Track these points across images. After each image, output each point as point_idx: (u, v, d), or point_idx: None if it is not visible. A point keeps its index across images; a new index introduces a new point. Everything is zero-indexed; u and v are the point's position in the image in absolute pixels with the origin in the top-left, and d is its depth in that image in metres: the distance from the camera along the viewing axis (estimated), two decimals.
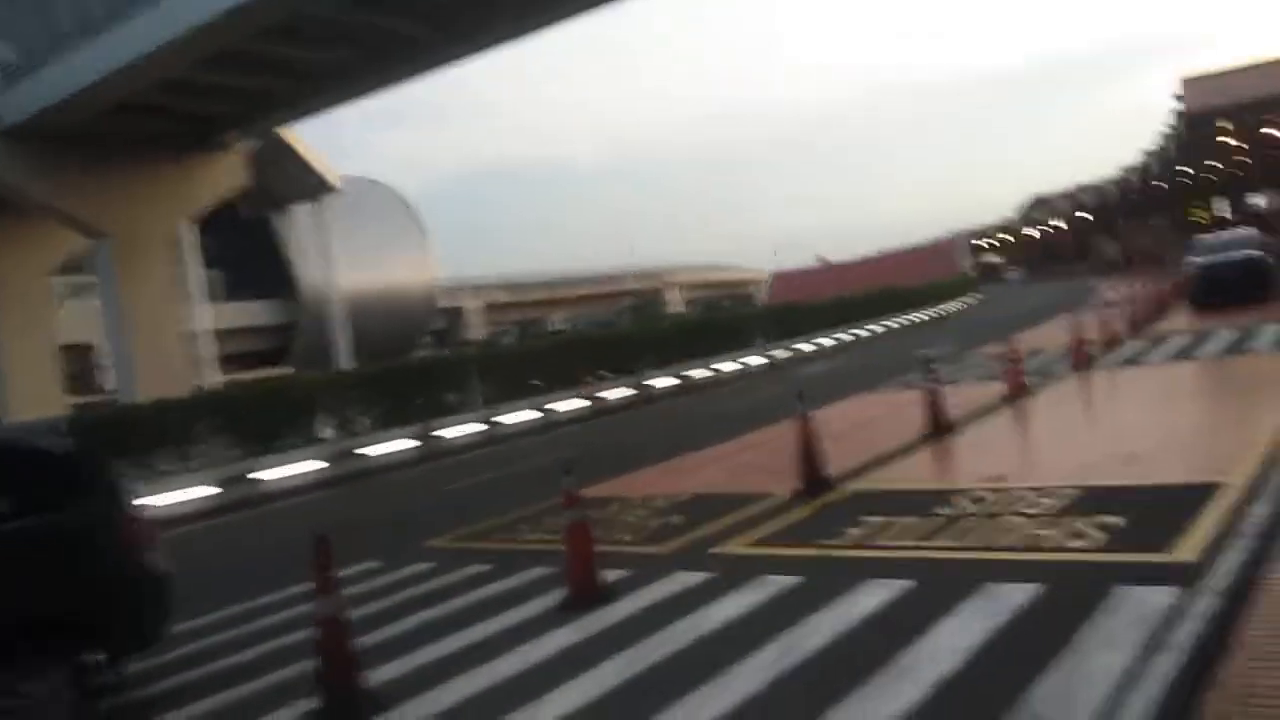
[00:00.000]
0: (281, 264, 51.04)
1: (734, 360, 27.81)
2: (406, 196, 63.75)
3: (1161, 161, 50.51)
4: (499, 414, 19.92)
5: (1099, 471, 7.89)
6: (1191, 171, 48.69)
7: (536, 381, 22.09)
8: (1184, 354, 15.28)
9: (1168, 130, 40.77)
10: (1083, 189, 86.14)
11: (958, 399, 13.82)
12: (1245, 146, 39.70)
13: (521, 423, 19.90)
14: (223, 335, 44.12)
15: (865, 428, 12.81)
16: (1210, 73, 35.26)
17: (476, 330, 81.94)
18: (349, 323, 44.43)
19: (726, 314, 35.84)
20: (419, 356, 45.08)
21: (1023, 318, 33.29)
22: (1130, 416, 10.59)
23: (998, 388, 13.59)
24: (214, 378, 34.90)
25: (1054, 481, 7.69)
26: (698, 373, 25.89)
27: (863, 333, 36.26)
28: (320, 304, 46.69)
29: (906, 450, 10.31)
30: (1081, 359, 15.71)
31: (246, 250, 50.34)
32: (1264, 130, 37.32)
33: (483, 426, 19.09)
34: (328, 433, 18.08)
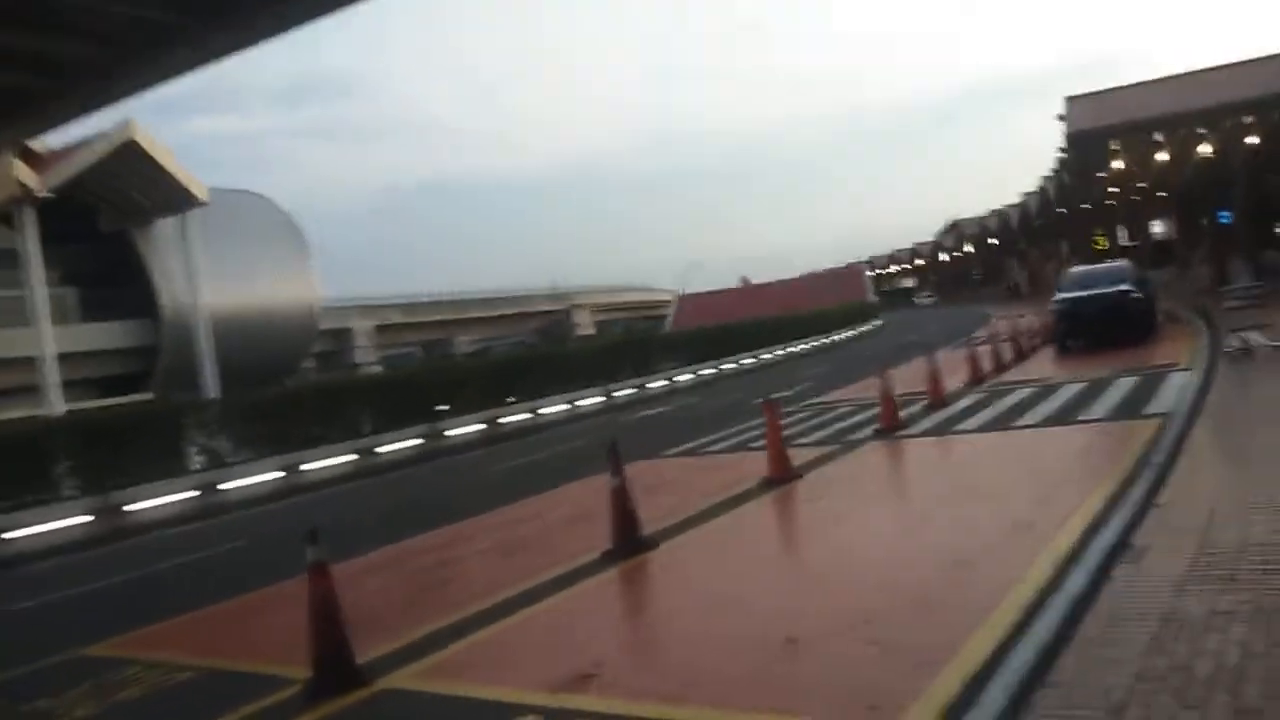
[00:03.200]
0: (143, 282, 46.77)
1: (567, 401, 24.69)
2: (288, 210, 59.47)
3: (1058, 186, 48.89)
4: (236, 474, 16.47)
5: (722, 674, 4.87)
6: (1088, 196, 47.19)
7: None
8: (1010, 417, 12.50)
9: (1060, 154, 38.83)
10: (994, 214, 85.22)
11: (720, 478, 11.01)
12: (1136, 170, 37.98)
13: (257, 485, 16.45)
14: (76, 358, 40.22)
15: (557, 533, 9.67)
16: (1094, 92, 33.27)
17: (369, 353, 77.87)
18: (218, 346, 40.94)
19: (578, 346, 32.68)
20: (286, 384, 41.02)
21: (905, 350, 30.85)
22: (862, 539, 7.57)
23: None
24: (57, 406, 31.44)
25: (646, 696, 4.65)
26: (516, 416, 22.67)
27: (733, 366, 33.45)
28: (185, 325, 43.00)
29: (554, 587, 7.18)
30: (889, 423, 12.89)
31: (105, 267, 46.09)
32: (1156, 155, 35.49)
33: (194, 493, 15.56)
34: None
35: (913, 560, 6.44)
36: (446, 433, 20.59)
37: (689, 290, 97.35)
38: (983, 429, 11.98)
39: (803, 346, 41.06)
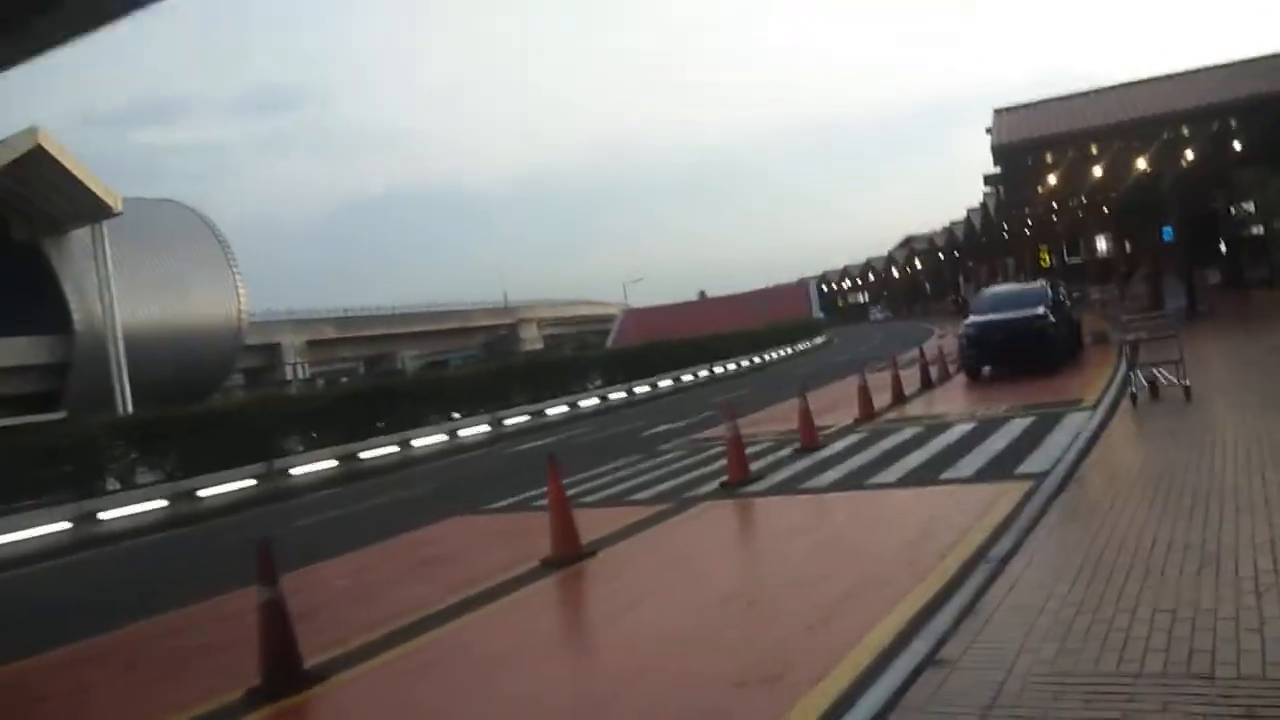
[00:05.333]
0: (56, 295, 44.08)
1: (447, 431, 22.53)
2: (211, 219, 56.77)
3: (996, 202, 47.53)
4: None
5: None
6: (1027, 211, 45.97)
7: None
8: (874, 470, 10.59)
9: (995, 170, 37.30)
10: (944, 230, 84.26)
11: (511, 551, 9.01)
12: (1071, 184, 36.61)
13: (30, 540, 14.10)
14: None
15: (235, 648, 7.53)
16: (1023, 104, 31.74)
17: (303, 369, 75.09)
18: (135, 362, 38.59)
19: (467, 370, 30.40)
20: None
21: (832, 371, 29.04)
22: (560, 694, 5.51)
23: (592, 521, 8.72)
24: None
25: None
26: (380, 451, 20.46)
27: (647, 389, 31.43)
28: (99, 340, 40.54)
29: None
30: (737, 476, 10.92)
31: (16, 279, 43.35)
32: (1091, 170, 34.08)
33: None
34: None
35: None
36: (291, 471, 18.33)
37: (634, 305, 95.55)
38: (834, 487, 10.01)
39: (731, 367, 39.15)
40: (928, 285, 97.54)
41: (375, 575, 9.15)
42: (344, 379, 71.72)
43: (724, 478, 11.17)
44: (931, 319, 72.98)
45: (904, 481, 9.67)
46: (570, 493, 12.47)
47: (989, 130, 30.24)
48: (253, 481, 17.52)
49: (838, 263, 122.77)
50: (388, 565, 9.57)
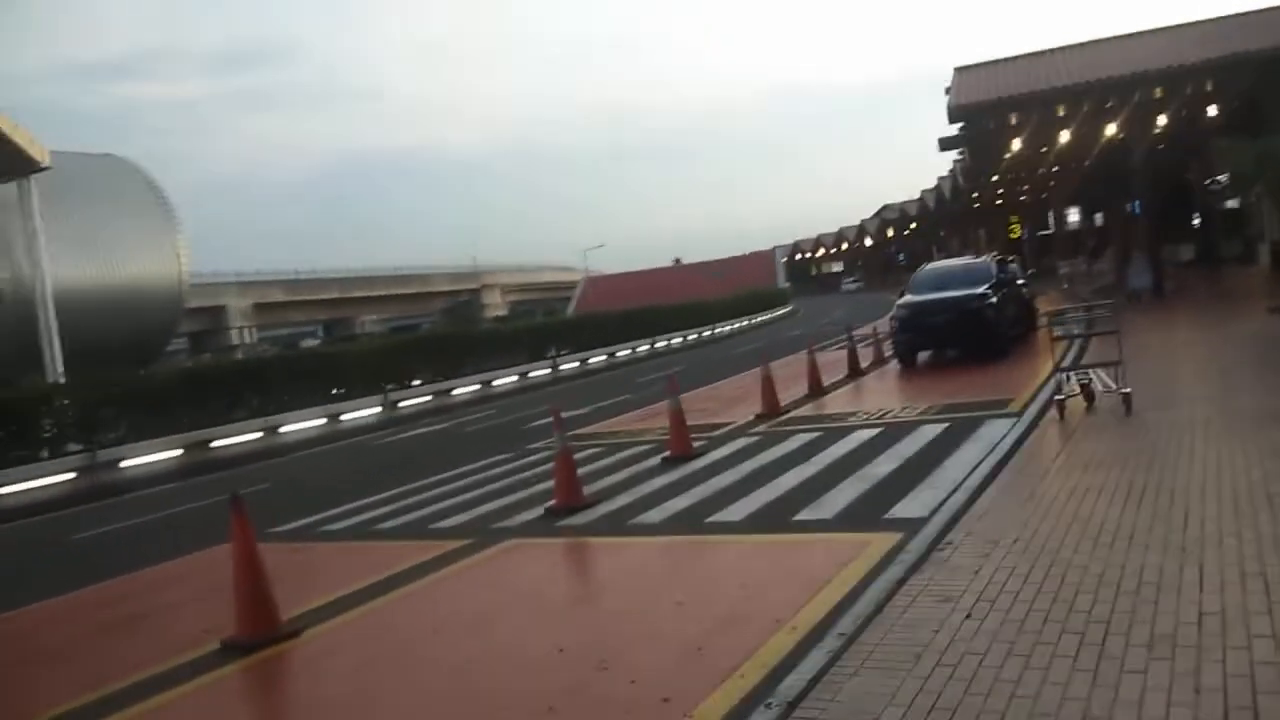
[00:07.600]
0: None
1: (325, 415, 20.23)
2: (153, 176, 53.63)
3: (964, 168, 45.16)
4: None
5: None
6: (991, 179, 43.72)
7: None
8: (732, 496, 8.39)
9: (959, 133, 34.88)
10: (917, 200, 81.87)
11: (179, 630, 6.68)
12: (1036, 151, 34.32)
13: None
14: None
15: None
16: (985, 61, 29.36)
17: (251, 334, 72.31)
18: (68, 324, 35.87)
19: (373, 343, 27.94)
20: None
21: (781, 347, 26.83)
22: None
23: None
24: None
25: None
26: (241, 437, 18.15)
27: (575, 365, 29.13)
28: (27, 300, 37.82)
29: None
30: (565, 500, 8.73)
31: None
32: (1059, 135, 31.73)
33: None
34: None
35: None
36: (122, 463, 15.97)
37: (600, 271, 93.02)
38: (669, 524, 7.79)
39: (675, 341, 36.86)
40: (901, 255, 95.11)
41: (35, 643, 6.88)
42: (306, 342, 68.84)
43: (551, 502, 8.97)
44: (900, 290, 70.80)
45: (752, 521, 7.45)
46: (382, 511, 10.29)
47: (947, 90, 27.86)
48: (69, 475, 15.16)
49: (815, 231, 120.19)
50: (70, 624, 7.30)
